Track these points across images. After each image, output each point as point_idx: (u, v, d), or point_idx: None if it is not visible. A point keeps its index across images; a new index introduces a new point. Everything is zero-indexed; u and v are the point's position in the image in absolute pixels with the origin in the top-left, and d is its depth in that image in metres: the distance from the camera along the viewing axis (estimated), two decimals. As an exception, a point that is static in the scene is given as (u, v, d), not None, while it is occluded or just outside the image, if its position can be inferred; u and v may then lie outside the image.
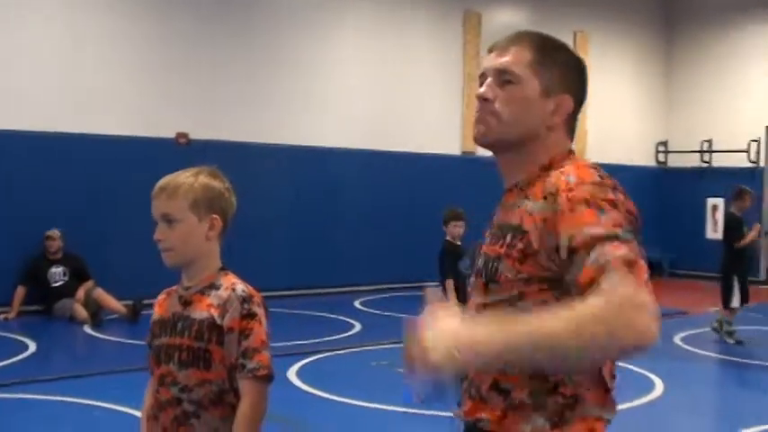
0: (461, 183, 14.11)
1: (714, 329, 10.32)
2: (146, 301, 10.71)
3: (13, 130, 10.91)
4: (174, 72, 12.33)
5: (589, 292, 1.72)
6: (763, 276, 16.55)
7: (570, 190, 1.86)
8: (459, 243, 8.12)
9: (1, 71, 10.99)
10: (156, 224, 2.62)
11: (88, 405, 6.67)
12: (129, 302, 10.60)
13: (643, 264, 1.77)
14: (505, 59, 2.04)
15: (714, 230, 17.39)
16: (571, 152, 2.09)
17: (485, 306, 2.00)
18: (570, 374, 1.90)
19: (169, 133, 12.24)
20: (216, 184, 2.64)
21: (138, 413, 6.16)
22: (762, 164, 17.03)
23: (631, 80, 18.17)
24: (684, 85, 18.31)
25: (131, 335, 9.89)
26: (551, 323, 1.69)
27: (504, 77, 2.03)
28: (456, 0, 15.34)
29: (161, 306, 2.71)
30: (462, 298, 7.17)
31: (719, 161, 17.63)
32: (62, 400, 6.82)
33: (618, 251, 1.75)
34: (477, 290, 2.04)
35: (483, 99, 2.04)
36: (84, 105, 11.57)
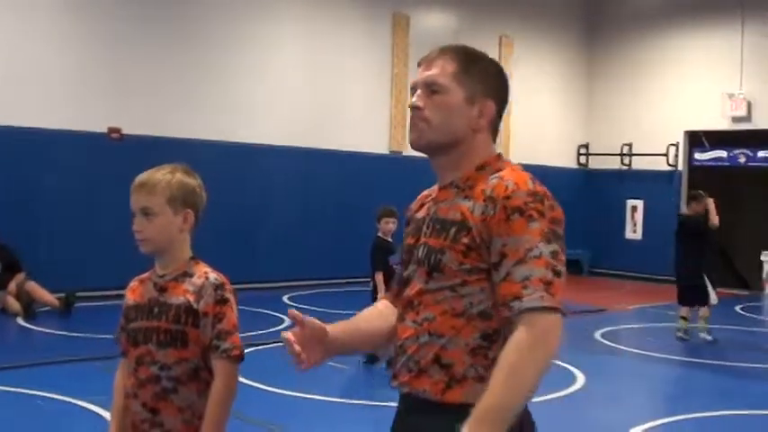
0: (389, 180, 14.39)
1: (680, 332, 10.49)
2: (78, 294, 10.82)
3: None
4: (110, 67, 12.36)
5: (508, 306, 2.08)
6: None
7: (507, 197, 2.12)
8: (390, 239, 8.36)
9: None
10: (133, 216, 2.83)
11: (29, 394, 6.77)
12: (62, 295, 10.64)
13: (559, 279, 2.09)
14: (432, 72, 2.31)
15: (633, 231, 18.04)
16: (500, 155, 2.34)
17: (426, 291, 2.23)
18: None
19: (101, 128, 12.27)
20: (190, 181, 2.88)
21: (76, 401, 6.40)
22: (680, 167, 17.62)
23: (554, 84, 18.63)
24: (605, 89, 18.84)
25: (65, 327, 9.98)
26: (496, 389, 2.01)
27: (431, 88, 2.29)
28: (386, 3, 15.61)
29: (134, 292, 2.93)
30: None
31: (639, 164, 18.20)
32: (4, 390, 6.90)
33: (538, 270, 2.07)
34: (419, 277, 2.26)
35: (415, 108, 2.31)
36: (16, 97, 11.55)
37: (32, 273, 10.93)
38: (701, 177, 16.53)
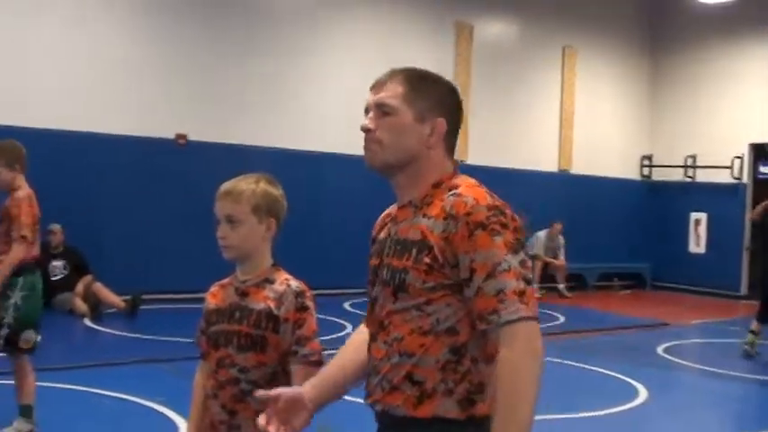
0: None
1: (746, 345, 10.25)
2: (144, 296, 11.00)
3: (18, 127, 11.09)
4: (176, 74, 12.58)
5: (486, 320, 2.12)
6: (744, 291, 16.88)
7: (468, 214, 2.16)
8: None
9: (6, 69, 11.23)
10: (217, 223, 2.92)
11: (95, 393, 6.91)
12: (128, 297, 10.83)
13: (529, 287, 2.15)
14: (382, 95, 2.35)
15: (697, 244, 17.80)
16: (455, 171, 2.37)
17: (393, 312, 2.27)
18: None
19: (169, 134, 12.49)
20: (274, 190, 2.98)
21: (140, 401, 6.52)
22: (744, 180, 17.38)
23: (617, 94, 18.48)
24: (669, 100, 18.62)
25: (130, 328, 10.16)
26: (509, 412, 2.08)
27: (382, 110, 2.33)
28: (449, 13, 15.65)
29: (216, 296, 3.02)
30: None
31: (703, 177, 17.97)
32: (71, 389, 7.06)
33: (511, 282, 2.12)
34: (385, 298, 2.30)
35: (366, 130, 2.36)
36: (88, 104, 11.81)
37: (99, 275, 11.14)
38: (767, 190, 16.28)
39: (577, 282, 16.62)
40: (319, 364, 2.81)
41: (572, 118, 17.43)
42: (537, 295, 2.37)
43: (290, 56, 13.63)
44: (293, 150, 13.55)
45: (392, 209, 2.46)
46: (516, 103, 16.65)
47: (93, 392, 6.93)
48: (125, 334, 9.91)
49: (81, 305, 10.76)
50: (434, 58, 15.39)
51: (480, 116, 15.44)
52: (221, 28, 13.00)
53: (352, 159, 14.14)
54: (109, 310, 10.85)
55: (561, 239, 15.88)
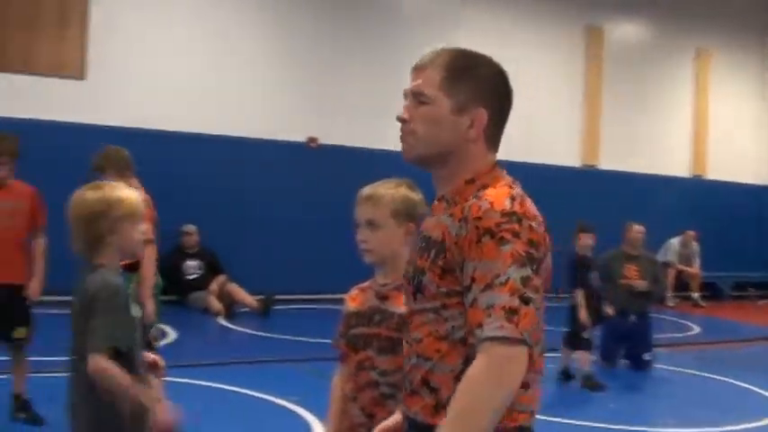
0: (581, 194, 14.20)
1: None
2: (277, 297, 11.21)
3: (156, 130, 11.47)
4: (309, 77, 12.78)
5: (473, 333, 1.98)
6: None
7: (479, 218, 2.00)
8: (588, 255, 8.27)
9: (145, 72, 11.61)
10: (357, 226, 2.95)
11: (228, 390, 7.07)
12: (261, 297, 11.05)
13: (527, 306, 1.95)
14: (418, 82, 2.18)
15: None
16: (495, 166, 2.21)
17: (414, 312, 2.19)
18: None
19: (301, 137, 12.70)
20: (414, 195, 2.97)
21: (272, 399, 6.63)
22: None
23: (753, 97, 17.90)
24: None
25: (263, 328, 10.35)
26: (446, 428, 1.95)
27: (418, 99, 2.17)
28: (579, 16, 15.45)
29: (355, 300, 3.04)
30: (592, 309, 7.30)
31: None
32: (205, 385, 7.23)
33: (504, 296, 1.94)
34: (408, 296, 2.22)
35: (401, 120, 2.21)
36: (222, 108, 12.12)
37: (233, 275, 11.40)
38: None
39: (711, 291, 16.16)
40: None
41: (706, 122, 16.97)
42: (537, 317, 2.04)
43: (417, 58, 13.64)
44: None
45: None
46: (648, 106, 16.31)
47: (226, 390, 7.08)
48: (258, 333, 10.11)
49: (215, 304, 11.03)
50: (564, 63, 15.27)
51: (611, 120, 15.21)
52: (354, 31, 13.15)
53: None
54: (242, 310, 11.08)
55: (696, 246, 15.46)
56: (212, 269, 11.52)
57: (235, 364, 8.17)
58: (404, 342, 2.26)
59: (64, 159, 9.21)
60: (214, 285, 11.30)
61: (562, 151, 15.20)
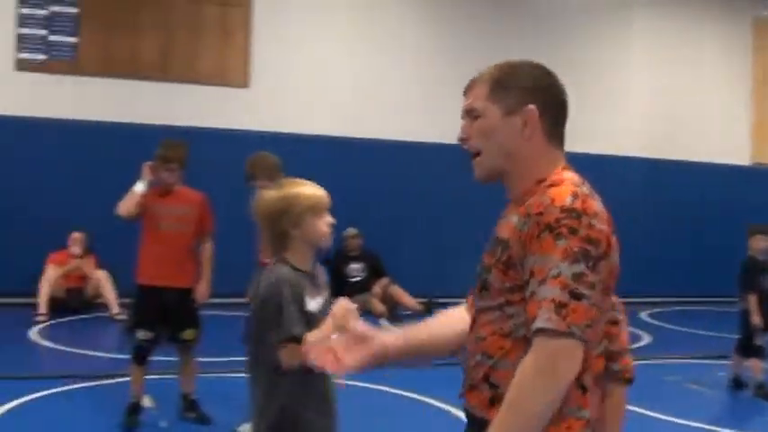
0: (751, 194, 13.62)
1: None
2: (439, 299, 11.19)
3: (320, 136, 11.67)
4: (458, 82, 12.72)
5: (528, 327, 1.98)
6: None
7: (540, 214, 2.01)
8: (762, 258, 7.90)
9: (307, 79, 11.83)
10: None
11: (393, 393, 7.08)
12: (424, 300, 11.07)
13: (578, 302, 1.94)
14: (469, 101, 2.24)
15: None
16: (563, 167, 2.20)
17: (480, 310, 2.19)
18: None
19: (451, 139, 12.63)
20: None
21: (443, 405, 6.60)
22: None
23: None
24: None
25: (425, 331, 10.33)
26: (499, 424, 1.97)
27: (472, 115, 2.22)
28: (745, 8, 14.83)
29: None
30: (766, 314, 6.90)
31: None
32: (370, 387, 7.27)
33: (555, 289, 1.94)
34: (476, 294, 2.23)
35: (461, 140, 2.25)
36: (385, 112, 12.22)
37: (396, 277, 11.46)
38: None
39: None
40: (630, 381, 2.64)
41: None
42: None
43: (583, 51, 13.38)
44: (581, 154, 13.28)
45: None
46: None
47: (392, 393, 7.10)
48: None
49: (378, 306, 11.12)
50: (728, 55, 14.68)
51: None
52: (519, 29, 12.99)
53: (641, 161, 13.73)
54: (405, 312, 11.13)
55: None
56: (375, 272, 11.61)
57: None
58: (469, 340, 2.25)
59: (226, 167, 9.46)
60: (377, 288, 11.40)
61: (730, 149, 14.61)
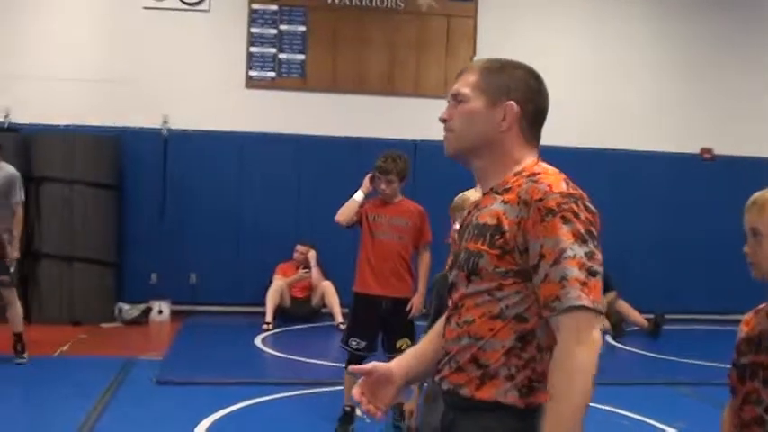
0: None
1: None
2: (667, 316, 10.76)
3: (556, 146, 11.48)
4: (701, 85, 12.19)
5: (549, 306, 2.10)
6: None
7: (541, 200, 2.15)
8: None
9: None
10: (745, 237, 2.57)
11: (613, 413, 6.82)
12: (651, 316, 10.65)
13: (594, 278, 2.09)
14: (456, 85, 2.38)
15: None
16: (539, 160, 2.34)
17: (466, 295, 2.27)
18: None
19: (694, 149, 12.12)
20: None
21: (660, 425, 6.31)
22: None
23: None
24: None
25: (652, 348, 9.96)
26: (562, 397, 2.07)
27: (456, 99, 2.37)
28: None
29: (748, 324, 2.63)
30: None
31: None
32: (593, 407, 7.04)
33: (574, 269, 2.08)
34: (461, 282, 2.30)
35: (442, 120, 2.40)
36: (628, 123, 11.94)
37: (622, 292, 11.09)
38: None
39: None
40: None
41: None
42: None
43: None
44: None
45: (477, 194, 2.54)
46: None
47: (610, 411, 6.85)
48: (646, 353, 9.73)
49: (604, 321, 10.78)
50: None
51: None
52: (746, 29, 12.34)
53: None
54: (631, 328, 10.75)
55: None
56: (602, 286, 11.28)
57: (620, 385, 7.89)
58: (450, 326, 2.33)
59: (450, 178, 9.45)
60: (603, 302, 11.06)
61: None
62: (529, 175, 2.25)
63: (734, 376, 2.61)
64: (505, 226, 2.19)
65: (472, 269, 2.25)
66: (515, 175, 2.29)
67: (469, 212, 2.44)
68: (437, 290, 4.66)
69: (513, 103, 2.32)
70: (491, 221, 2.24)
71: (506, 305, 2.20)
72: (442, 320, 2.50)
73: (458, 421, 2.28)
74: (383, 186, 6.16)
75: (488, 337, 2.22)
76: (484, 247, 2.22)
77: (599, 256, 2.13)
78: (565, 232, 2.11)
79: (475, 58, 2.39)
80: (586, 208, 2.18)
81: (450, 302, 2.38)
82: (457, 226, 3.50)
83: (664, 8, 12.20)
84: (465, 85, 2.37)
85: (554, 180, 2.21)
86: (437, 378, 2.37)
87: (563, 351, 2.08)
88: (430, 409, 2.62)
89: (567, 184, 2.21)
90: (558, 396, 2.07)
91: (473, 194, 3.61)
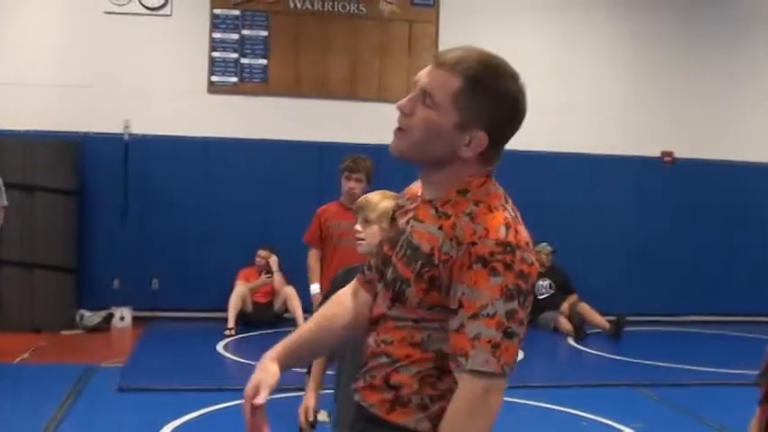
0: None
1: None
2: (628, 318, 10.85)
3: (516, 150, 11.53)
4: (658, 87, 12.32)
5: (456, 360, 1.98)
6: None
7: (473, 243, 1.96)
8: None
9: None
10: None
11: (573, 414, 6.89)
12: (613, 318, 10.74)
13: (510, 341, 1.94)
14: (433, 81, 2.05)
15: None
16: (488, 178, 2.12)
17: (388, 317, 2.13)
18: None
19: (655, 152, 12.24)
20: None
21: (616, 425, 6.38)
22: None
23: None
24: None
25: (613, 350, 10.04)
26: None
27: (425, 98, 2.05)
28: None
29: None
30: None
31: None
32: (548, 407, 7.11)
33: (490, 330, 1.93)
34: (383, 299, 2.16)
35: (400, 109, 2.10)
36: (586, 125, 12.01)
37: (584, 295, 11.18)
38: None
39: None
40: None
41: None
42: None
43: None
44: None
45: (418, 190, 2.23)
46: None
47: (572, 414, 6.91)
48: (607, 355, 9.81)
49: (565, 324, 10.87)
50: None
51: None
52: (702, 30, 12.49)
53: None
54: (593, 331, 10.84)
55: None
56: (563, 288, 11.37)
57: (581, 386, 7.97)
58: (369, 339, 2.21)
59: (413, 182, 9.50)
60: (565, 305, 11.15)
61: None
62: (471, 203, 2.06)
63: (765, 385, 2.63)
64: (436, 259, 2.03)
65: (398, 295, 2.10)
66: (458, 193, 2.10)
67: (405, 210, 2.25)
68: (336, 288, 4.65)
69: (483, 134, 2.06)
70: (424, 248, 2.07)
71: (429, 335, 2.08)
72: (329, 304, 2.42)
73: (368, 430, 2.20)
74: (352, 185, 6.22)
75: (405, 362, 2.11)
76: (413, 276, 2.07)
77: (522, 314, 1.97)
78: (490, 285, 1.94)
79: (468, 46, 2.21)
80: (522, 260, 1.98)
81: (373, 309, 2.25)
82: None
83: (624, 10, 12.28)
84: (441, 89, 2.05)
85: (493, 223, 1.99)
86: (353, 387, 2.26)
87: (456, 416, 1.98)
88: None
89: (508, 227, 2.00)
90: None
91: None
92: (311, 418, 4.12)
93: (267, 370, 2.24)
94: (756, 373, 2.72)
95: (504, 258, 1.95)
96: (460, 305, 1.98)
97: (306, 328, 2.39)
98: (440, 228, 2.06)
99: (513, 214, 2.07)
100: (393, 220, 2.29)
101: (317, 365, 4.18)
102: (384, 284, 2.17)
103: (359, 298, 2.36)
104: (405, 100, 2.12)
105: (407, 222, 2.18)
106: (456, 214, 2.05)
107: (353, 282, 2.42)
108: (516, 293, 1.96)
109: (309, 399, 4.17)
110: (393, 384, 2.12)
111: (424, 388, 2.09)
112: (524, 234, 2.03)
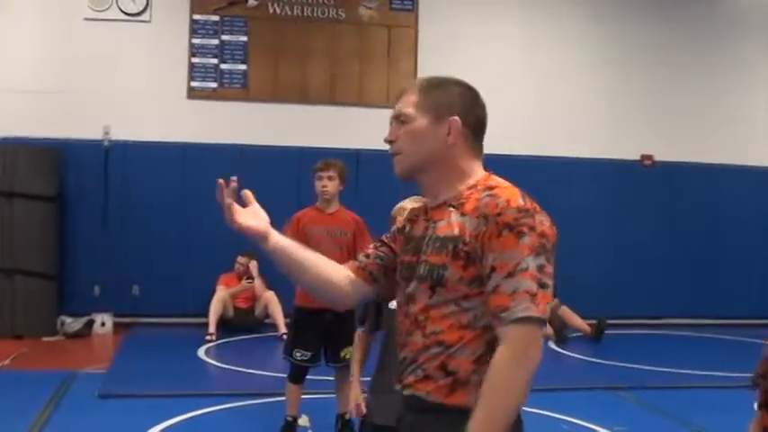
0: None
1: None
2: (609, 321, 10.90)
3: (494, 154, 11.55)
4: (638, 90, 12.39)
5: (498, 317, 2.19)
6: None
7: (498, 214, 2.22)
8: None
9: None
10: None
11: (555, 417, 6.90)
12: (594, 322, 10.78)
13: (543, 290, 2.18)
14: (398, 106, 2.46)
15: None
16: (489, 174, 2.43)
17: (431, 307, 2.32)
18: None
19: (635, 155, 12.30)
20: None
21: (598, 428, 6.39)
22: None
23: None
24: None
25: (594, 353, 10.08)
26: (486, 405, 2.17)
27: (400, 119, 2.44)
28: None
29: None
30: None
31: None
32: (529, 411, 7.10)
33: (526, 281, 2.17)
34: (422, 293, 2.34)
35: (388, 141, 2.47)
36: (559, 129, 12.07)
37: (564, 298, 11.20)
38: None
39: None
40: None
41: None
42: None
43: (757, 54, 12.78)
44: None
45: (418, 204, 2.63)
46: None
47: (549, 416, 6.93)
48: (588, 358, 9.85)
49: (547, 328, 10.89)
50: None
51: None
52: (680, 33, 12.56)
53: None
54: (574, 334, 10.87)
55: None
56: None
57: (561, 390, 7.98)
58: (413, 338, 2.36)
59: (393, 187, 9.50)
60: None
61: None
62: (485, 189, 2.33)
63: (763, 392, 2.70)
64: (467, 237, 2.27)
65: (437, 280, 2.31)
66: (469, 188, 2.38)
67: (414, 221, 2.51)
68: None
69: (456, 117, 2.40)
70: (452, 233, 2.31)
71: (474, 315, 2.28)
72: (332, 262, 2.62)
73: (421, 420, 2.34)
74: (324, 183, 6.17)
75: (458, 346, 2.29)
76: (448, 259, 2.29)
77: (550, 269, 2.22)
78: (519, 246, 2.19)
79: (418, 76, 2.45)
80: (542, 222, 2.26)
81: (404, 312, 2.43)
82: None
83: (605, 12, 12.33)
84: (407, 105, 2.43)
85: (511, 194, 2.28)
86: (397, 386, 2.43)
87: (501, 365, 2.17)
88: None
89: (524, 198, 2.28)
90: (487, 407, 2.17)
91: (409, 204, 3.74)
92: (364, 411, 4.18)
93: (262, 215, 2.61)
94: (749, 375, 2.74)
95: (527, 221, 2.22)
96: (493, 269, 2.22)
97: (310, 252, 2.60)
98: (462, 214, 2.32)
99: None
100: (405, 239, 2.51)
101: (355, 364, 4.41)
102: (418, 281, 2.37)
103: (352, 279, 2.61)
104: (387, 134, 2.48)
105: (426, 229, 2.42)
106: (474, 199, 2.33)
107: (346, 264, 2.64)
108: (542, 250, 2.22)
109: (358, 395, 4.31)
110: (450, 370, 2.30)
111: (481, 366, 2.26)
112: (536, 204, 2.31)
